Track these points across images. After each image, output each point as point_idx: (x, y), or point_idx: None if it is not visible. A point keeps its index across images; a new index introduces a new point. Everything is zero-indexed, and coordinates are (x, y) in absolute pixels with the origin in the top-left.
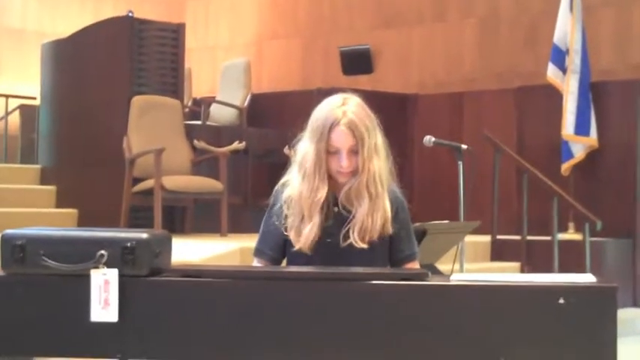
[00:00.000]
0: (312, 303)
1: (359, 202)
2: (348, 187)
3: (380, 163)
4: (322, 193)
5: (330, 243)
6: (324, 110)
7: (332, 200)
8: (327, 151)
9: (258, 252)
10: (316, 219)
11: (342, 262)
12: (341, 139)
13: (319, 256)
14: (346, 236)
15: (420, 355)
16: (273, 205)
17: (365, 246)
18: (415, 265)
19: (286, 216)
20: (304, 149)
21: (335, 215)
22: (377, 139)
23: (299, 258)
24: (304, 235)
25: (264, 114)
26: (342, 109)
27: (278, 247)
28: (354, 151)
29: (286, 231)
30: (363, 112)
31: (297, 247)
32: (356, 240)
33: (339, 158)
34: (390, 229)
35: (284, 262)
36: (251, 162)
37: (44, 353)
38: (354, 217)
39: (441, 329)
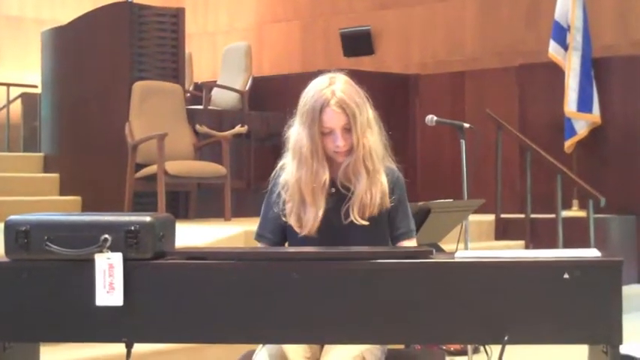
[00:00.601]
0: (316, 283)
1: (357, 179)
2: (345, 165)
3: (374, 138)
4: (324, 176)
5: (332, 223)
6: (312, 92)
7: (329, 183)
8: (321, 133)
9: (260, 236)
10: (321, 203)
11: (345, 241)
12: (333, 118)
13: (322, 238)
14: (347, 214)
15: (425, 332)
16: (271, 190)
17: (366, 223)
18: (412, 243)
19: (284, 200)
20: (296, 134)
21: (333, 196)
22: (368, 113)
23: (301, 241)
24: (310, 220)
25: (266, 97)
26: (330, 88)
27: (278, 231)
28: (347, 129)
29: (285, 217)
30: (351, 89)
31: (302, 233)
32: (356, 217)
33: (333, 139)
34: (388, 203)
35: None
36: (253, 146)
37: (50, 339)
38: (352, 194)
39: (445, 307)
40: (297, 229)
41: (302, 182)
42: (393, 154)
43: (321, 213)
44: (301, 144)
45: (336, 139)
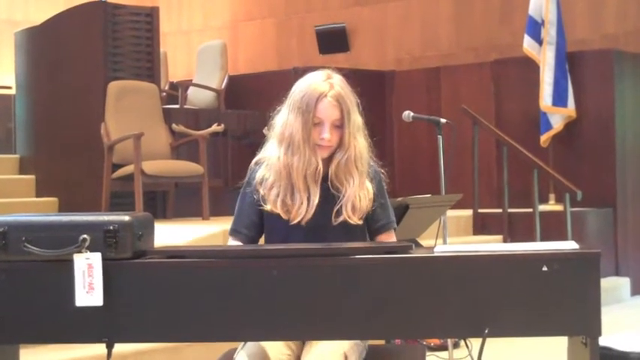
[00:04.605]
0: (296, 279)
1: (348, 180)
2: (336, 164)
3: (363, 142)
4: (315, 164)
5: (319, 220)
6: (309, 83)
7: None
8: (312, 123)
9: (234, 232)
10: (314, 190)
11: (331, 239)
12: (327, 111)
13: (306, 233)
14: (338, 214)
15: (405, 327)
16: (247, 184)
17: (360, 222)
18: (392, 235)
19: (263, 196)
20: (286, 121)
21: (324, 191)
22: (358, 117)
23: (282, 234)
24: (303, 208)
25: (242, 95)
26: (329, 82)
27: (254, 226)
28: (336, 125)
29: (265, 204)
30: (347, 88)
31: (293, 221)
32: (350, 217)
33: (320, 130)
34: (371, 207)
35: (261, 240)
36: (230, 144)
37: (30, 340)
38: (344, 195)
39: (425, 301)
40: (284, 216)
41: (293, 168)
42: (378, 157)
43: (316, 201)
44: (292, 130)
45: (323, 132)
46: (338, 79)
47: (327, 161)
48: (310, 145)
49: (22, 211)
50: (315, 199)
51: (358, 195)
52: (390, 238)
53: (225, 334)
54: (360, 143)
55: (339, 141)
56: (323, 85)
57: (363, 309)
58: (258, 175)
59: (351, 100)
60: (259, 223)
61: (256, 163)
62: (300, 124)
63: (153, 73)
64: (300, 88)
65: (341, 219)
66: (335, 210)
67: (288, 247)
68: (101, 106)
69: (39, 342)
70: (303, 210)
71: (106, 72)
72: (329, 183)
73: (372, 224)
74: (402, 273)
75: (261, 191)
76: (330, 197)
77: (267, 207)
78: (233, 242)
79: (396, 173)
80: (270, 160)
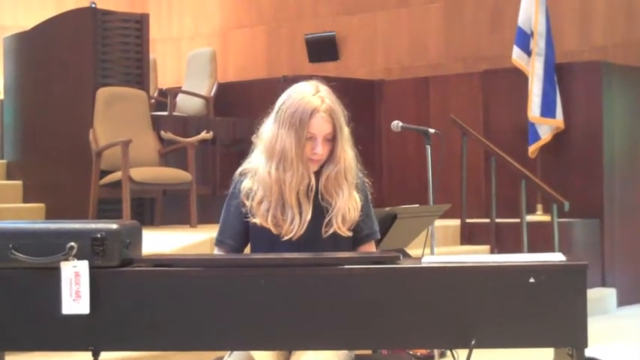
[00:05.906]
0: (283, 289)
1: (338, 192)
2: (325, 177)
3: (351, 152)
4: (308, 180)
5: (310, 233)
6: (300, 97)
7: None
8: (305, 138)
9: (219, 242)
10: (305, 207)
11: (319, 251)
12: (320, 125)
13: (295, 245)
14: (328, 225)
15: (392, 337)
16: (232, 196)
17: (350, 234)
18: (373, 246)
19: (251, 209)
20: (276, 136)
21: (314, 205)
22: (346, 128)
23: (268, 243)
24: (295, 224)
25: (231, 103)
26: (319, 96)
27: (238, 237)
28: (327, 139)
29: (253, 217)
30: (336, 100)
31: (285, 237)
32: (340, 228)
33: (312, 145)
34: (358, 217)
35: (247, 250)
36: (219, 151)
37: (16, 348)
38: (334, 207)
39: (413, 312)
40: (274, 231)
41: (286, 184)
42: (365, 166)
43: (309, 218)
44: (284, 145)
45: (316, 146)
46: (326, 92)
47: (317, 174)
48: (303, 160)
49: (8, 216)
50: (308, 216)
51: (348, 206)
52: (371, 248)
53: (212, 343)
54: (348, 155)
55: (329, 154)
56: (314, 99)
57: (350, 319)
58: (244, 187)
59: (341, 112)
60: (244, 234)
61: (241, 174)
62: (293, 140)
63: (142, 80)
64: (291, 102)
65: (331, 230)
66: (325, 222)
67: (276, 256)
68: (90, 112)
69: (25, 349)
70: (295, 226)
71: (95, 78)
72: (319, 196)
73: (356, 234)
74: (389, 283)
75: (248, 203)
76: (319, 210)
77: (257, 220)
78: (219, 253)
79: (384, 183)
80: (258, 173)
